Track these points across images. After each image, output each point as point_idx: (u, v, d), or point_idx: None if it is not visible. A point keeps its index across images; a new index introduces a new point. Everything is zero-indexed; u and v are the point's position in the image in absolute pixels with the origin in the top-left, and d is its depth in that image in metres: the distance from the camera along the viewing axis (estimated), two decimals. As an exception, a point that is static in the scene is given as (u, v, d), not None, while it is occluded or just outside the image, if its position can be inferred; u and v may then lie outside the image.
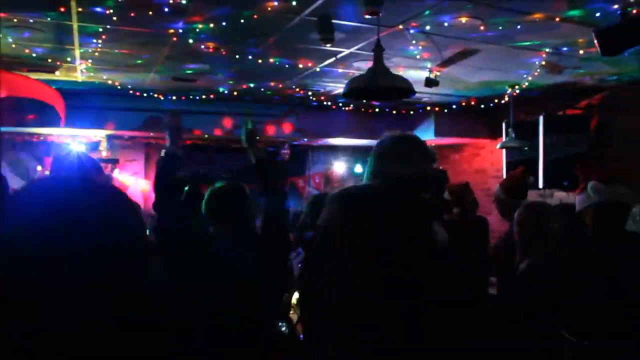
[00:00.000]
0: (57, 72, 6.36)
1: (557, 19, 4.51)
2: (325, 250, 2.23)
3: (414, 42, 5.13)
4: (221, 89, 7.62)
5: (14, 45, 5.24)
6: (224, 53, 5.55)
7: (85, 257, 0.91)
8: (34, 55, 5.63)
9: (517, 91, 7.18)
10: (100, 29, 4.81)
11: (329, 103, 8.69)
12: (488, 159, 9.15)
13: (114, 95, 7.69)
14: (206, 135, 8.84)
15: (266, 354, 2.92)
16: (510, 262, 3.30)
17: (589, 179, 3.03)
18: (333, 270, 2.17)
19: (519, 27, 4.70)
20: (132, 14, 4.39)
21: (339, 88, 7.30)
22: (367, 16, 4.17)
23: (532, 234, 3.24)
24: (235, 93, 7.82)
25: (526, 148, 7.21)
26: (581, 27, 4.63)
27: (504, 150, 7.78)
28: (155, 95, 7.91)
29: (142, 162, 9.44)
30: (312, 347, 3.06)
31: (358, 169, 9.93)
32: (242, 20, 4.55)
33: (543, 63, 5.87)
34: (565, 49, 5.36)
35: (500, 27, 4.73)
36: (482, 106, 8.34)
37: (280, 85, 7.31)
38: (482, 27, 4.71)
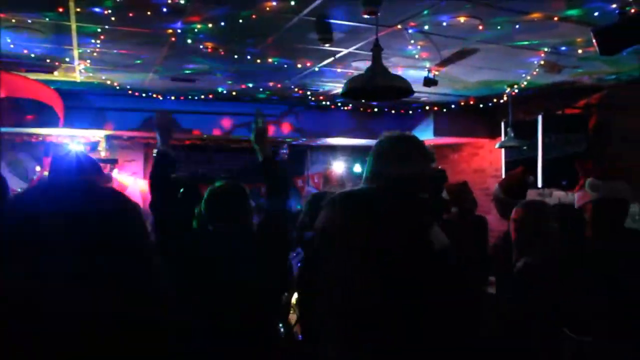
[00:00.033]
0: (55, 73, 6.36)
1: (556, 19, 4.51)
2: (325, 250, 2.23)
3: (412, 41, 5.13)
4: (220, 89, 7.62)
5: (12, 46, 5.23)
6: (222, 53, 5.55)
7: (86, 258, 0.91)
8: (32, 55, 5.62)
9: (516, 91, 7.19)
10: (99, 29, 4.81)
11: (328, 103, 8.69)
12: (487, 159, 9.16)
13: (112, 95, 7.69)
14: (205, 136, 8.85)
15: (266, 354, 2.92)
16: (509, 262, 3.30)
17: (588, 176, 3.04)
18: (333, 271, 2.17)
19: (517, 26, 4.70)
20: (131, 14, 4.39)
21: (337, 88, 7.30)
22: (365, 16, 4.16)
23: (530, 233, 3.24)
24: (234, 93, 7.82)
25: (525, 147, 7.22)
26: (579, 26, 4.63)
27: (502, 150, 7.78)
28: (154, 96, 7.91)
29: (141, 162, 9.45)
30: (312, 347, 3.06)
31: (357, 168, 9.94)
32: (240, 20, 4.55)
33: (542, 62, 5.88)
34: (563, 48, 5.36)
35: (498, 27, 4.73)
36: (481, 106, 8.35)
37: (279, 85, 7.32)
38: (480, 27, 4.71)
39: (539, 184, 7.12)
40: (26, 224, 0.92)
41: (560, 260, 3.01)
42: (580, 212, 3.22)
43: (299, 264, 3.63)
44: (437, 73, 6.17)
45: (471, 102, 8.25)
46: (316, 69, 6.29)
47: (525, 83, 6.81)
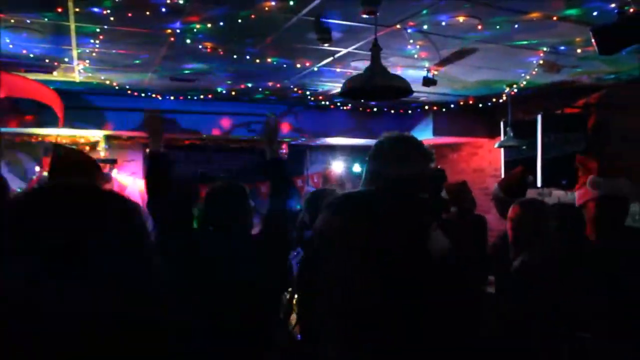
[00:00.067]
0: (54, 73, 6.35)
1: (555, 18, 4.52)
2: (325, 251, 2.24)
3: (411, 41, 5.13)
4: (219, 89, 7.62)
5: (11, 46, 5.23)
6: (221, 53, 5.55)
7: (86, 258, 0.91)
8: (31, 55, 5.62)
9: (515, 90, 7.19)
10: (98, 30, 4.81)
11: (327, 103, 8.69)
12: (486, 158, 9.16)
13: (112, 95, 7.69)
14: (204, 135, 8.85)
15: (266, 354, 2.92)
16: (509, 261, 3.30)
17: (589, 174, 3.04)
18: (332, 271, 2.18)
19: (516, 26, 4.70)
20: (130, 14, 4.39)
21: (336, 88, 7.30)
22: (364, 16, 4.16)
23: (527, 231, 3.23)
24: (233, 93, 7.82)
25: (524, 147, 7.22)
26: (578, 26, 4.63)
27: (502, 150, 7.78)
28: (154, 96, 7.91)
29: (141, 162, 9.43)
30: (312, 347, 3.06)
31: (356, 168, 9.94)
32: (239, 20, 4.55)
33: (541, 62, 5.88)
34: (562, 48, 5.37)
35: (497, 27, 4.73)
36: (480, 105, 8.35)
37: (278, 85, 7.32)
38: (479, 27, 4.71)
39: (539, 184, 7.12)
40: (27, 225, 0.93)
41: (558, 259, 3.01)
42: (579, 211, 3.22)
43: (298, 264, 3.63)
44: (436, 73, 6.17)
45: (470, 102, 8.26)
46: (315, 68, 6.29)
47: (524, 83, 6.81)
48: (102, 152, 8.69)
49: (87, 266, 0.91)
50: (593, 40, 4.20)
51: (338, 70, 6.37)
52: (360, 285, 2.05)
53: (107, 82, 6.94)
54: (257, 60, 5.86)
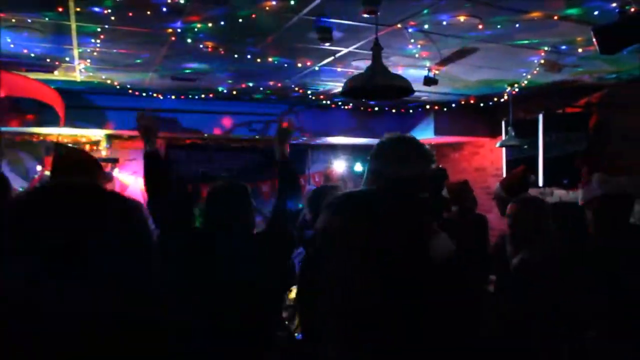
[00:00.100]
0: (55, 72, 6.36)
1: (556, 18, 4.51)
2: (326, 250, 2.25)
3: (412, 40, 5.13)
4: (220, 89, 7.62)
5: (12, 45, 5.23)
6: (222, 52, 5.55)
7: (87, 258, 0.91)
8: (32, 55, 5.62)
9: (517, 89, 7.19)
10: (99, 29, 4.81)
11: (328, 102, 8.69)
12: (488, 158, 9.16)
13: (113, 94, 7.69)
14: (206, 135, 8.86)
15: (266, 354, 2.92)
16: (510, 260, 3.30)
17: (593, 172, 3.04)
18: (333, 271, 2.19)
19: (517, 25, 4.70)
20: (130, 14, 4.39)
21: (337, 87, 7.30)
22: (365, 15, 4.16)
23: (525, 229, 3.23)
24: (234, 92, 7.83)
25: (525, 146, 7.22)
26: (580, 25, 4.63)
27: (503, 149, 7.78)
28: (155, 95, 7.91)
29: (142, 161, 9.44)
30: (312, 346, 3.07)
31: (358, 167, 9.94)
32: (240, 20, 4.55)
33: (542, 61, 5.88)
34: (564, 47, 5.36)
35: (498, 26, 4.73)
36: (482, 105, 8.35)
37: (279, 85, 7.32)
38: (480, 26, 4.71)
39: (540, 183, 7.12)
40: (28, 225, 0.93)
41: (558, 257, 3.01)
42: (580, 210, 3.22)
43: (300, 263, 3.63)
44: (437, 72, 6.17)
45: (472, 101, 8.26)
46: (316, 68, 6.29)
47: (525, 82, 6.80)
48: (103, 152, 8.70)
49: (87, 266, 0.92)
50: (594, 40, 4.20)
51: (339, 69, 6.37)
52: (360, 285, 2.06)
53: (108, 81, 6.95)
54: (258, 60, 5.86)
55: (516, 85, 7.02)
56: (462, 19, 4.53)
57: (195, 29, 4.83)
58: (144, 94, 7.80)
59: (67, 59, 5.86)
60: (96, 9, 4.31)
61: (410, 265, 2.05)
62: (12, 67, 5.85)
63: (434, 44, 5.23)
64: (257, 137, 9.11)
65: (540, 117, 7.14)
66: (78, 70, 6.35)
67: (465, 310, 2.21)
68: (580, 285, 2.80)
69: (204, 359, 2.71)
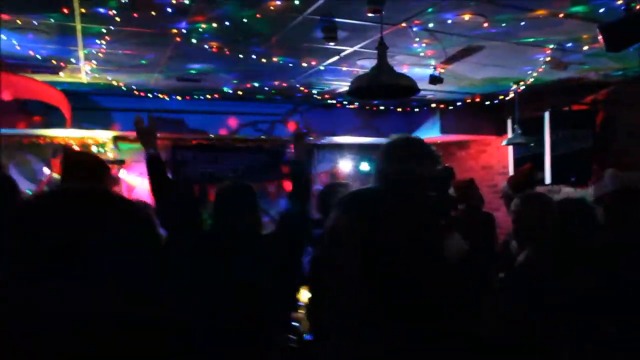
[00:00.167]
0: (61, 74, 6.38)
1: (561, 15, 4.50)
2: (333, 249, 2.28)
3: (417, 39, 5.12)
4: (225, 89, 7.63)
5: (18, 47, 5.26)
6: (227, 53, 5.55)
7: (93, 260, 0.92)
8: (38, 56, 5.64)
9: (522, 87, 7.16)
10: (104, 30, 4.82)
11: (334, 101, 8.69)
12: (494, 156, 9.13)
13: (119, 96, 7.71)
14: (212, 135, 8.87)
15: (268, 354, 2.91)
16: (516, 257, 3.28)
17: (604, 168, 3.02)
18: (339, 269, 2.21)
19: (522, 23, 4.69)
20: (135, 15, 4.40)
21: (343, 86, 7.30)
22: (369, 14, 4.16)
23: (528, 225, 3.21)
24: (239, 92, 7.83)
25: (532, 144, 7.20)
26: (585, 23, 4.61)
27: (510, 147, 7.76)
28: (160, 96, 7.93)
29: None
30: (321, 346, 3.07)
31: (364, 166, 9.92)
32: (245, 20, 4.56)
33: (547, 59, 5.86)
34: (569, 45, 5.34)
35: (503, 24, 4.72)
36: (487, 103, 8.32)
37: (285, 84, 7.32)
38: (485, 24, 4.70)
39: (547, 180, 7.10)
40: (37, 226, 0.93)
41: (562, 254, 2.99)
42: (587, 206, 3.21)
43: (308, 263, 3.62)
44: (442, 71, 6.15)
45: (477, 100, 8.23)
46: (321, 67, 6.29)
47: (531, 80, 6.78)
48: (110, 153, 8.71)
49: (88, 266, 0.92)
50: (600, 37, 4.18)
51: (344, 69, 6.36)
52: (364, 284, 2.07)
53: (114, 82, 6.96)
54: (263, 60, 5.86)
55: (522, 83, 6.99)
56: (466, 17, 4.52)
57: (200, 29, 4.84)
58: (149, 95, 7.81)
59: (73, 60, 5.88)
60: (101, 10, 4.33)
61: (412, 264, 2.06)
62: (18, 69, 5.88)
63: (439, 42, 5.22)
64: (263, 137, 9.12)
65: (547, 114, 7.12)
66: (84, 71, 6.36)
67: (466, 310, 2.22)
68: (582, 283, 2.78)
69: (206, 358, 2.72)
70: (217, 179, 8.72)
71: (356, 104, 8.93)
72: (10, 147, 8.17)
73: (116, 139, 8.71)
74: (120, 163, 8.58)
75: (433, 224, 2.29)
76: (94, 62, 5.94)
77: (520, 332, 2.75)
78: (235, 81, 7.13)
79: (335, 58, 5.88)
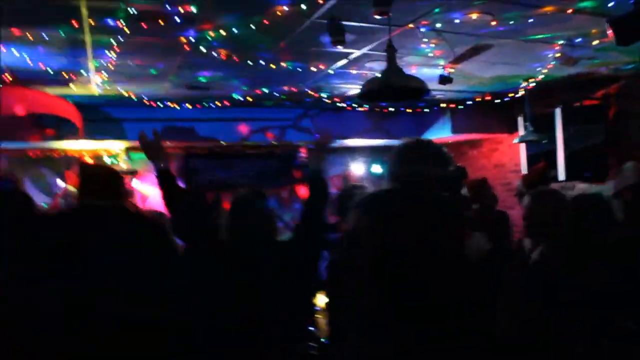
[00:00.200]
0: (72, 86, 6.43)
1: (569, 11, 4.47)
2: (353, 250, 2.32)
3: (425, 40, 5.12)
4: (235, 96, 7.65)
5: (29, 62, 5.31)
6: (236, 60, 5.57)
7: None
8: (49, 70, 5.69)
9: (532, 84, 7.12)
10: (113, 42, 4.86)
11: (343, 105, 8.69)
12: (507, 154, 9.08)
13: (130, 106, 7.76)
14: (223, 142, 8.89)
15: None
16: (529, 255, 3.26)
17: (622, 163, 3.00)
18: (358, 270, 2.25)
19: (530, 20, 4.67)
20: (144, 25, 4.43)
21: (352, 89, 7.30)
22: (376, 16, 4.16)
23: (540, 222, 3.18)
24: (249, 99, 7.85)
25: (545, 141, 7.16)
26: (594, 17, 4.58)
27: (522, 144, 7.72)
28: (171, 105, 7.97)
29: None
30: (338, 347, 3.08)
31: (375, 169, 9.91)
32: (252, 26, 4.57)
33: (557, 55, 5.83)
34: (579, 40, 5.31)
35: (511, 22, 4.70)
36: (498, 101, 8.28)
37: (294, 89, 7.33)
38: (493, 22, 4.69)
39: (561, 177, 7.05)
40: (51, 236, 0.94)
41: (577, 250, 2.97)
42: (602, 201, 3.18)
43: (326, 268, 3.62)
44: (451, 70, 6.14)
45: (487, 98, 8.20)
46: (330, 71, 6.29)
47: (541, 76, 6.74)
48: (123, 164, 8.76)
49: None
50: (609, 32, 4.15)
51: (353, 72, 6.36)
52: (379, 285, 2.09)
53: (125, 93, 7.01)
54: (272, 65, 5.87)
55: (531, 80, 6.96)
56: (474, 16, 4.51)
57: (209, 37, 4.86)
58: (160, 105, 7.86)
59: (83, 72, 5.92)
60: (110, 22, 4.36)
61: (421, 265, 2.08)
62: (30, 83, 5.93)
63: (447, 42, 5.21)
64: (274, 142, 9.13)
65: (558, 111, 7.08)
66: (94, 83, 6.41)
67: (479, 310, 2.22)
68: (597, 279, 2.76)
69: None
70: (230, 186, 8.74)
71: (366, 106, 8.92)
72: (24, 161, 8.26)
73: (128, 150, 8.76)
74: (133, 173, 8.63)
75: (445, 225, 2.29)
76: (104, 73, 5.98)
77: (534, 330, 2.74)
78: (244, 88, 7.15)
79: (344, 61, 5.89)
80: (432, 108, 9.04)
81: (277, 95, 7.68)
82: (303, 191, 9.51)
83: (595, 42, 5.34)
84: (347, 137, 9.25)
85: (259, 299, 2.86)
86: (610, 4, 4.29)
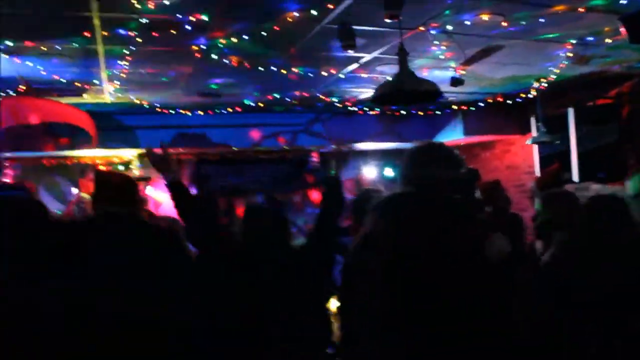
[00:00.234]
0: (85, 95, 6.49)
1: (581, 10, 4.44)
2: (369, 253, 2.34)
3: (436, 42, 5.11)
4: (247, 102, 7.68)
5: (43, 72, 5.37)
6: (247, 66, 5.59)
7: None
8: (62, 80, 5.74)
9: (544, 84, 7.09)
10: (125, 51, 4.90)
11: (355, 108, 8.69)
12: (519, 155, 9.04)
13: (142, 114, 7.82)
14: (235, 148, 8.92)
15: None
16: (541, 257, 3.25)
17: None
18: (371, 273, 2.26)
19: (542, 20, 4.64)
20: (155, 34, 4.46)
21: (363, 93, 7.30)
22: (387, 20, 4.15)
23: (555, 224, 3.16)
24: (260, 104, 7.87)
25: (558, 142, 7.11)
26: (606, 15, 4.55)
27: (535, 146, 7.67)
28: (183, 112, 8.02)
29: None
30: (350, 350, 3.08)
31: (388, 172, 9.89)
32: (263, 33, 4.59)
33: (569, 54, 5.79)
34: (591, 38, 5.27)
35: (522, 22, 4.68)
36: (509, 102, 8.25)
37: (305, 94, 7.34)
38: (504, 23, 4.67)
39: (575, 178, 7.01)
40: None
41: (586, 251, 2.95)
42: (617, 203, 3.15)
43: (340, 273, 3.63)
44: (463, 72, 6.12)
45: (499, 99, 8.16)
46: (341, 75, 6.29)
47: (553, 76, 6.71)
48: (136, 170, 8.81)
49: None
50: (622, 29, 4.12)
51: (364, 75, 6.37)
52: (391, 287, 2.10)
53: (137, 101, 7.06)
54: (283, 71, 5.89)
55: (543, 80, 6.92)
56: (485, 17, 4.50)
57: (220, 45, 4.88)
58: (172, 112, 7.91)
59: (96, 81, 5.98)
60: (122, 32, 4.40)
61: (433, 268, 2.09)
62: (44, 93, 6.00)
63: (458, 44, 5.19)
64: (286, 147, 9.15)
65: (571, 111, 7.03)
66: (107, 92, 6.46)
67: (493, 312, 2.22)
68: (610, 280, 2.74)
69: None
70: (242, 191, 8.77)
71: (377, 110, 8.92)
72: (39, 169, 8.34)
73: (141, 156, 8.81)
74: (147, 180, 8.67)
75: (457, 227, 2.29)
76: (116, 82, 6.03)
77: (547, 332, 2.73)
78: (256, 93, 7.17)
79: (355, 65, 5.89)
80: (443, 110, 9.01)
81: (289, 100, 7.70)
82: (315, 195, 9.52)
83: (607, 40, 5.30)
84: (359, 140, 9.25)
85: (273, 303, 2.87)
86: (622, 1, 4.26)
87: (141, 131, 8.06)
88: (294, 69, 5.89)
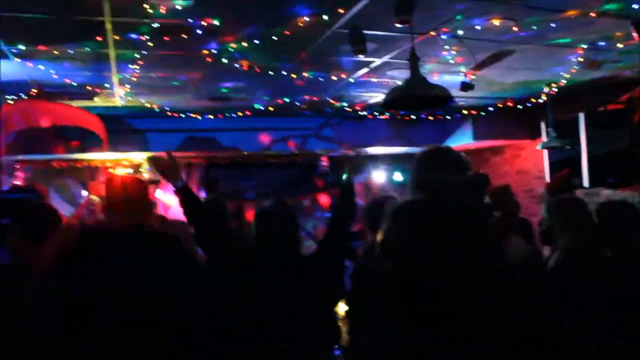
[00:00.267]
0: (96, 99, 6.53)
1: (593, 14, 4.43)
2: (378, 259, 2.36)
3: (446, 47, 5.10)
4: (257, 106, 7.69)
5: (55, 76, 5.40)
6: (257, 70, 5.61)
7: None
8: (74, 84, 5.78)
9: (555, 89, 7.06)
10: (137, 55, 4.92)
11: (365, 113, 8.69)
12: (530, 160, 9.00)
13: (152, 117, 7.85)
14: (245, 152, 8.94)
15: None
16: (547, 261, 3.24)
17: None
18: (378, 278, 2.29)
19: (553, 25, 4.63)
20: (167, 39, 4.49)
21: (373, 98, 7.30)
22: (398, 25, 4.15)
23: (565, 229, 3.16)
24: (270, 109, 7.89)
25: (568, 147, 7.08)
26: (619, 20, 4.52)
27: (545, 151, 7.64)
28: (193, 115, 8.05)
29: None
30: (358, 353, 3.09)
31: (397, 177, 9.88)
32: (274, 37, 4.60)
33: (580, 59, 5.77)
34: (602, 43, 5.25)
35: (533, 27, 4.66)
36: (520, 107, 8.22)
37: (315, 99, 7.35)
38: (515, 28, 4.66)
39: (585, 183, 6.97)
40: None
41: (598, 257, 2.95)
42: (628, 208, 3.15)
43: (350, 278, 3.63)
44: (473, 77, 6.11)
45: (509, 104, 8.14)
46: (352, 80, 6.30)
47: (564, 81, 6.68)
48: (145, 174, 8.85)
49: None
50: (635, 34, 4.10)
51: (374, 80, 6.37)
52: (400, 291, 2.12)
53: (148, 105, 7.09)
54: (293, 75, 5.90)
55: (554, 85, 6.89)
56: (496, 22, 4.49)
57: (231, 49, 4.90)
58: (182, 115, 7.94)
59: (107, 85, 6.01)
60: (133, 36, 4.42)
61: (445, 271, 2.10)
62: (56, 96, 6.04)
63: (469, 49, 5.18)
64: (295, 151, 9.16)
65: (581, 116, 7.00)
66: (118, 95, 6.50)
67: (499, 317, 2.23)
68: (615, 285, 2.74)
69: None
70: (252, 196, 8.79)
71: (387, 114, 8.91)
72: (49, 171, 8.40)
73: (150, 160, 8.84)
74: (156, 183, 8.71)
75: (464, 231, 2.30)
76: (127, 86, 6.06)
77: (547, 332, 2.72)
78: (266, 98, 7.19)
79: (365, 70, 5.89)
80: (453, 115, 9.00)
81: (299, 104, 7.71)
82: (324, 199, 9.53)
83: (619, 45, 5.28)
84: (369, 145, 9.25)
85: (273, 303, 2.88)
86: (635, 6, 4.23)
87: (151, 134, 8.10)
88: (305, 74, 5.90)
